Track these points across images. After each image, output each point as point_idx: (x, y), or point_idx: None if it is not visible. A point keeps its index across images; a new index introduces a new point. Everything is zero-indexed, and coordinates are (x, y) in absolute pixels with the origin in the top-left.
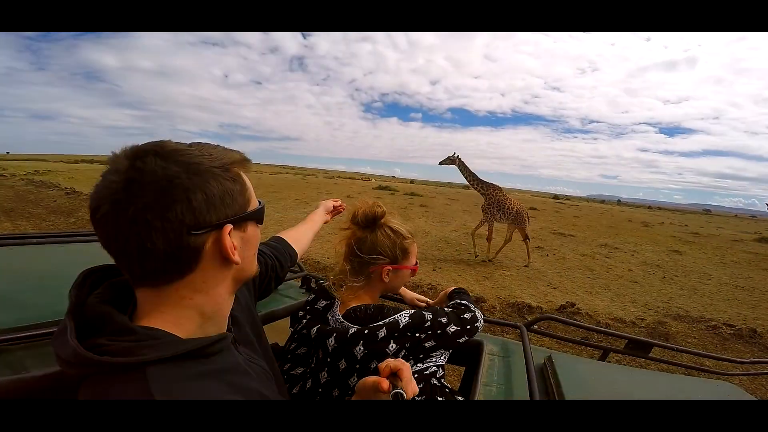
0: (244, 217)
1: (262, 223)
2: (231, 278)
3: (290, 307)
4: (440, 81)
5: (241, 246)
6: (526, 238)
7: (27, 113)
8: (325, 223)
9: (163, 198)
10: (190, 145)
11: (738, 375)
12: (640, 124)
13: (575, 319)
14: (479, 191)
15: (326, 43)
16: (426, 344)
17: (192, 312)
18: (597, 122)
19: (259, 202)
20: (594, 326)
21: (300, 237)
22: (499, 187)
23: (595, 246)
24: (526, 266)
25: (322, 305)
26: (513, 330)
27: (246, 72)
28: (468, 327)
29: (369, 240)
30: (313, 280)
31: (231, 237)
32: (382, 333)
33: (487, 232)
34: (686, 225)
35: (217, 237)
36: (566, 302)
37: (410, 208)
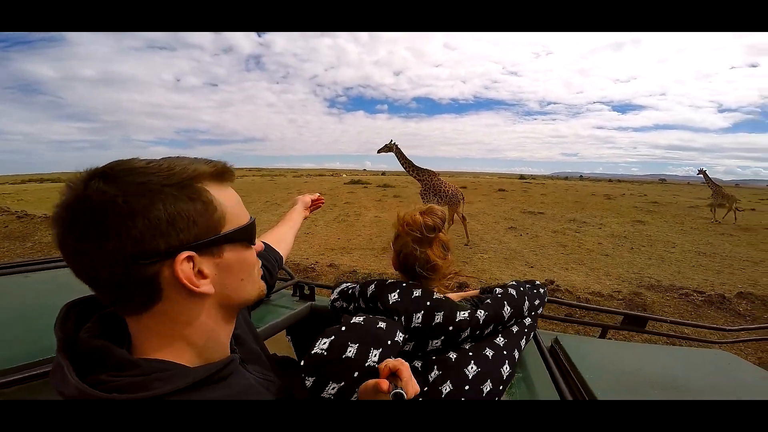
0: (212, 241)
1: (251, 243)
2: (215, 307)
3: (289, 317)
4: (403, 71)
5: (217, 273)
6: (462, 218)
7: None
8: (305, 218)
9: (98, 226)
10: (155, 161)
11: (727, 342)
12: (594, 103)
13: (557, 297)
14: (415, 177)
15: (283, 40)
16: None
17: (181, 343)
18: (554, 103)
19: (251, 218)
20: (591, 305)
21: (282, 238)
22: (434, 172)
23: (564, 222)
24: (466, 245)
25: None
26: None
27: (199, 74)
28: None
29: (449, 242)
30: (306, 287)
31: (198, 264)
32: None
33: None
34: (645, 195)
35: (175, 265)
36: (545, 280)
37: (384, 200)
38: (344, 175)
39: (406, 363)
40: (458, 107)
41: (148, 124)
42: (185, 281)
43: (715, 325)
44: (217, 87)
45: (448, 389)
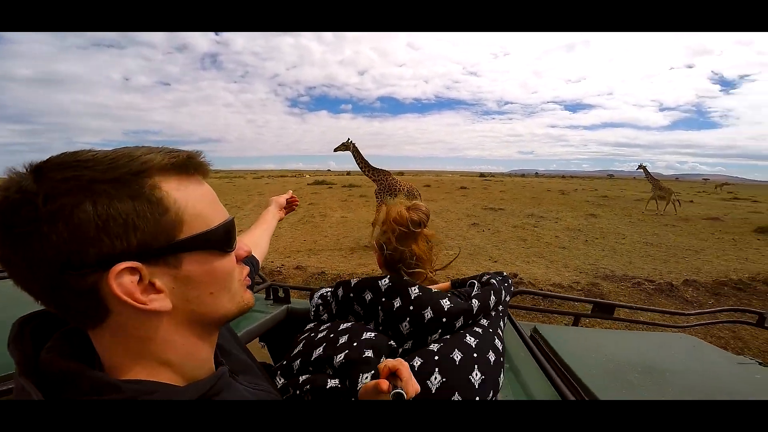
0: (162, 249)
1: (224, 249)
2: (182, 324)
3: (265, 322)
4: (368, 71)
5: (176, 286)
6: None
7: None
8: (280, 220)
9: (13, 230)
10: (104, 152)
11: (688, 326)
12: (547, 102)
13: (521, 290)
14: (370, 177)
15: (242, 38)
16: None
17: (152, 362)
18: (511, 103)
19: (227, 219)
20: (563, 295)
21: (257, 242)
22: (389, 172)
23: (523, 217)
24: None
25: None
26: None
27: (150, 73)
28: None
29: (433, 236)
30: (280, 289)
31: (149, 276)
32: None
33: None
34: (596, 190)
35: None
36: (509, 274)
37: (350, 200)
38: (308, 176)
39: (406, 363)
40: (421, 107)
41: (95, 125)
42: (125, 297)
43: (675, 311)
44: (169, 86)
45: (459, 356)
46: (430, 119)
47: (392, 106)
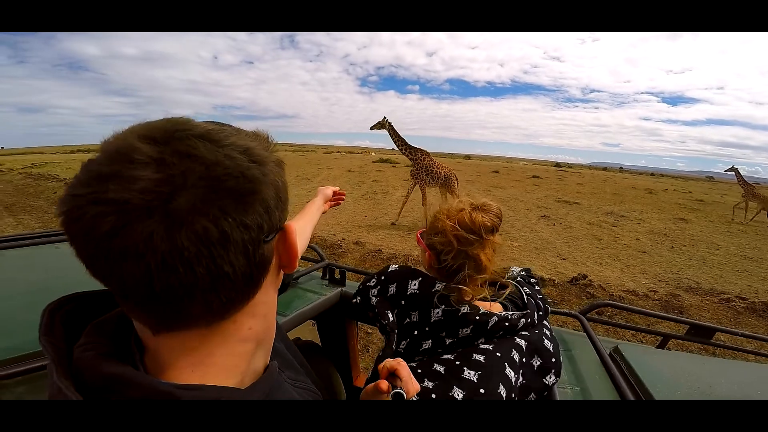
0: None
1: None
2: (276, 290)
3: (318, 305)
4: (437, 52)
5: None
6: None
7: (14, 107)
8: (323, 213)
9: (242, 197)
10: (217, 125)
11: None
12: (642, 93)
13: (589, 293)
14: (408, 156)
15: None
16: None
17: (248, 345)
18: (598, 91)
19: None
20: (654, 312)
21: (299, 233)
22: (427, 152)
23: (601, 214)
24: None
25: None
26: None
27: (235, 53)
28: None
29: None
30: (337, 270)
31: None
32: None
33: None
34: (690, 192)
35: (281, 240)
36: (578, 274)
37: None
38: (373, 153)
39: (404, 363)
40: (494, 90)
41: (187, 100)
42: (295, 256)
43: None
44: (252, 65)
45: (481, 357)
46: (503, 104)
47: (462, 88)
